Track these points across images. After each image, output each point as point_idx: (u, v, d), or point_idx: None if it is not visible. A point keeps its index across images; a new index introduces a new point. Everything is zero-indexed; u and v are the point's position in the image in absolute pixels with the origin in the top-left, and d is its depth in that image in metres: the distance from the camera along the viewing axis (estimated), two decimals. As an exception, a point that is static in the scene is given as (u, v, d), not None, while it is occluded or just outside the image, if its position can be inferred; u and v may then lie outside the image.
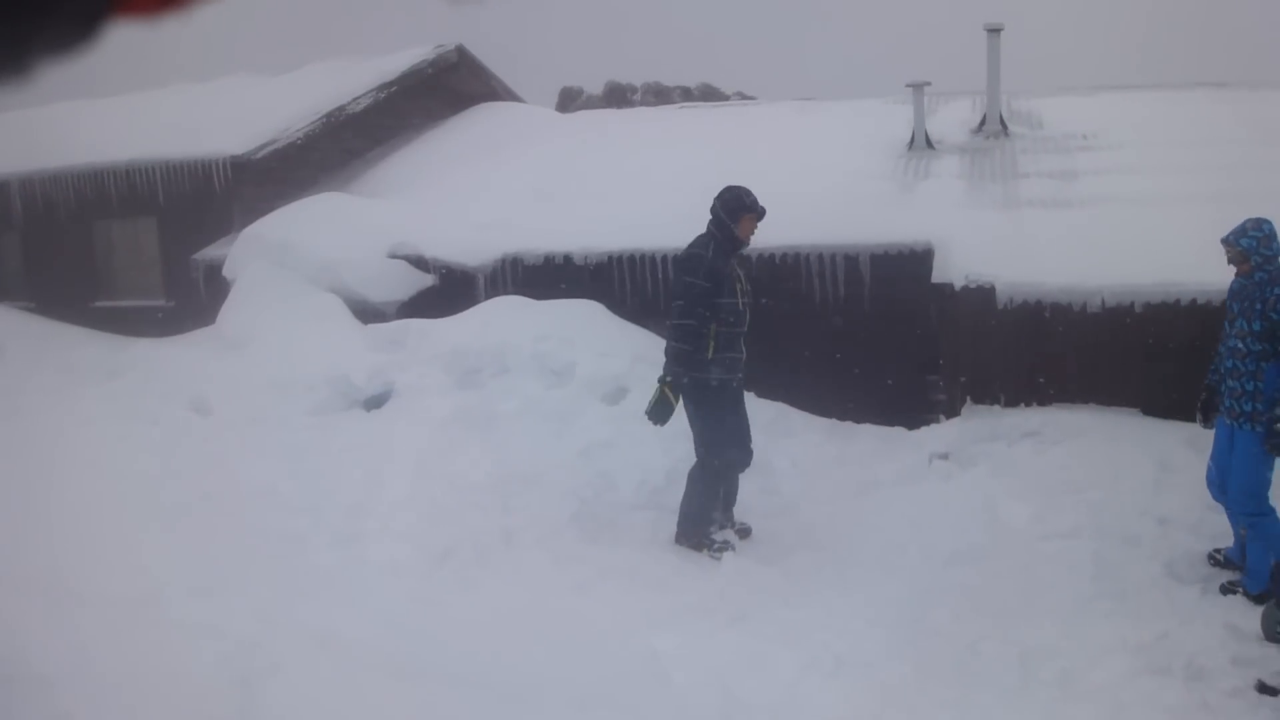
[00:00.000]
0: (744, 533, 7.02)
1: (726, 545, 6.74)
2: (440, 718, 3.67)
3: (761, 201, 6.81)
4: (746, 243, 6.92)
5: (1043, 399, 8.73)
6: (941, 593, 6.13)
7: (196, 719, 3.44)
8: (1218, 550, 6.29)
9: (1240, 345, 6.02)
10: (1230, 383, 6.10)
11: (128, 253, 13.66)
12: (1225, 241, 6.11)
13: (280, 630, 4.44)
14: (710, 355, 6.66)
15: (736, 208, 6.80)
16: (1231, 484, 6.04)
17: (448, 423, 8.25)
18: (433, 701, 3.77)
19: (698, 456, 6.89)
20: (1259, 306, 5.92)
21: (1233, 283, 6.29)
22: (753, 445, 7.03)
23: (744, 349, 6.86)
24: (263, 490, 7.23)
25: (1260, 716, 4.60)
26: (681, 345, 6.61)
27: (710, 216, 6.89)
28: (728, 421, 6.85)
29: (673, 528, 7.05)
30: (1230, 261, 6.15)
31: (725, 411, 6.85)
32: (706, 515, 6.86)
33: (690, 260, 6.74)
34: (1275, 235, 5.98)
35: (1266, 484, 5.97)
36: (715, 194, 6.91)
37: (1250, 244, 5.96)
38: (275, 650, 3.94)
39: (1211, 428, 6.38)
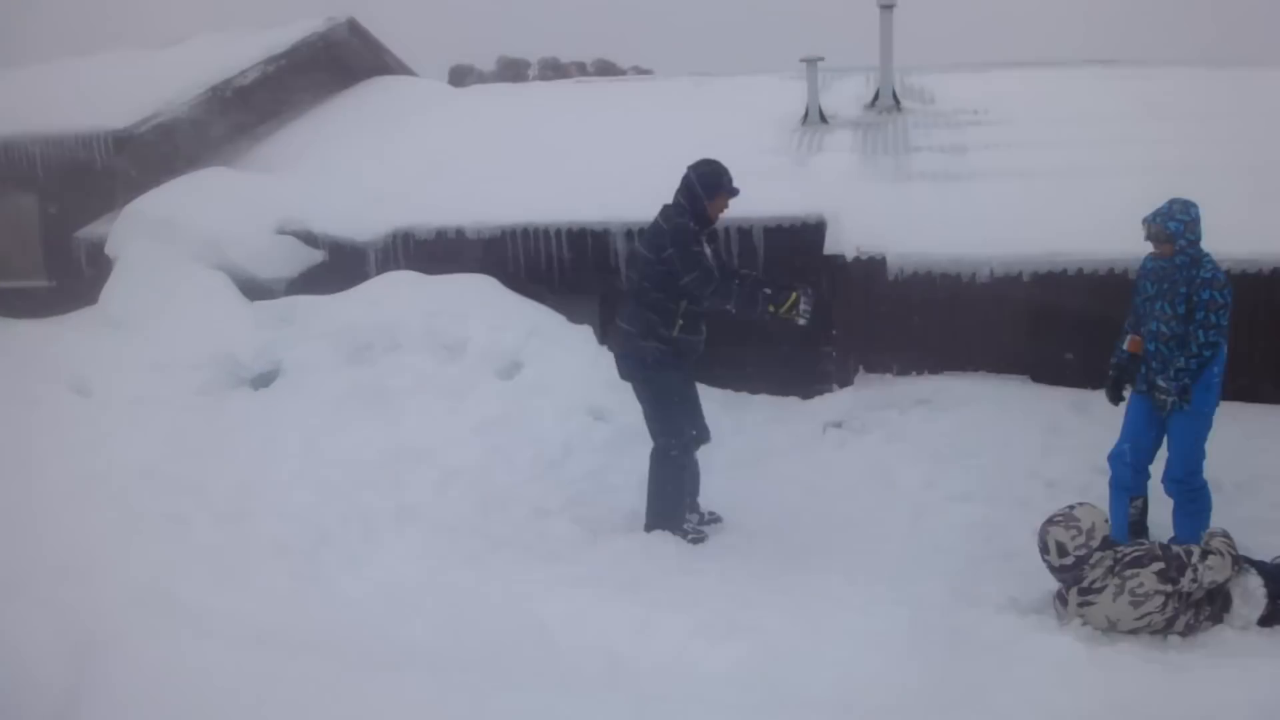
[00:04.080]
0: (713, 520, 6.85)
1: (701, 536, 6.61)
2: (312, 687, 3.57)
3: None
4: (714, 222, 6.60)
5: (934, 367, 8.84)
6: (834, 556, 6.17)
7: (23, 687, 3.31)
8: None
9: (1163, 329, 6.04)
10: (1154, 364, 6.10)
11: (6, 232, 13.16)
12: (1149, 221, 5.99)
13: (143, 605, 4.30)
14: (675, 333, 6.39)
15: (714, 184, 6.45)
16: (1174, 462, 6.09)
17: (338, 400, 8.09)
18: (305, 672, 3.68)
19: (656, 443, 6.62)
20: (1183, 290, 5.93)
21: (1146, 263, 6.26)
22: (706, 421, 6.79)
23: (705, 329, 6.61)
24: (145, 470, 7.02)
25: (1150, 672, 4.67)
26: (729, 297, 6.32)
27: (681, 187, 6.50)
28: (683, 403, 6.64)
29: (568, 499, 7.00)
30: (1150, 240, 6.03)
31: (680, 393, 6.62)
32: (677, 502, 6.64)
33: (680, 233, 6.29)
34: (1199, 219, 5.95)
35: (1203, 456, 6.08)
36: (692, 164, 6.54)
37: (1178, 227, 5.88)
38: (119, 622, 3.81)
39: (1120, 404, 6.33)
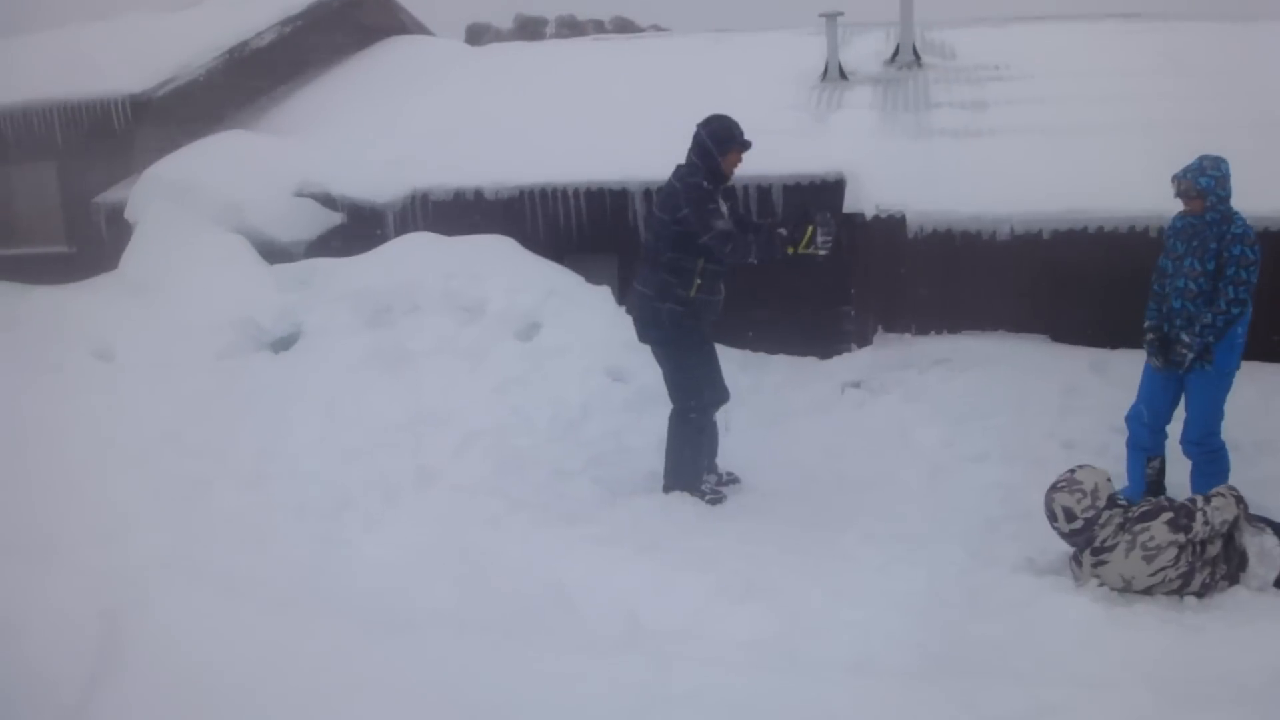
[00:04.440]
0: (732, 481, 6.83)
1: (719, 497, 6.60)
2: (334, 648, 3.62)
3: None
4: (729, 178, 6.51)
5: (953, 327, 8.83)
6: (852, 517, 6.18)
7: (53, 648, 3.38)
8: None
9: (1191, 285, 5.99)
10: (1178, 321, 6.06)
11: (27, 199, 13.21)
12: (1180, 178, 5.94)
13: (169, 570, 4.36)
14: (692, 294, 6.33)
15: (725, 139, 6.34)
16: (1191, 423, 6.07)
17: (358, 363, 8.11)
18: (327, 634, 3.72)
19: (675, 404, 6.59)
20: (1213, 246, 5.89)
21: (1175, 221, 6.20)
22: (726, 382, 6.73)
23: (724, 289, 6.56)
24: (168, 435, 7.08)
25: (1167, 632, 4.68)
26: (748, 252, 6.24)
27: (693, 145, 6.41)
28: (702, 364, 6.58)
29: (587, 460, 7.03)
30: (1180, 196, 5.99)
31: (700, 354, 6.57)
32: (696, 463, 6.62)
33: (694, 191, 6.21)
34: (1229, 175, 5.90)
35: (1221, 417, 6.07)
36: (701, 121, 6.44)
37: (1209, 183, 5.84)
38: (145, 585, 3.86)
39: (1168, 368, 6.17)
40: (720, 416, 6.89)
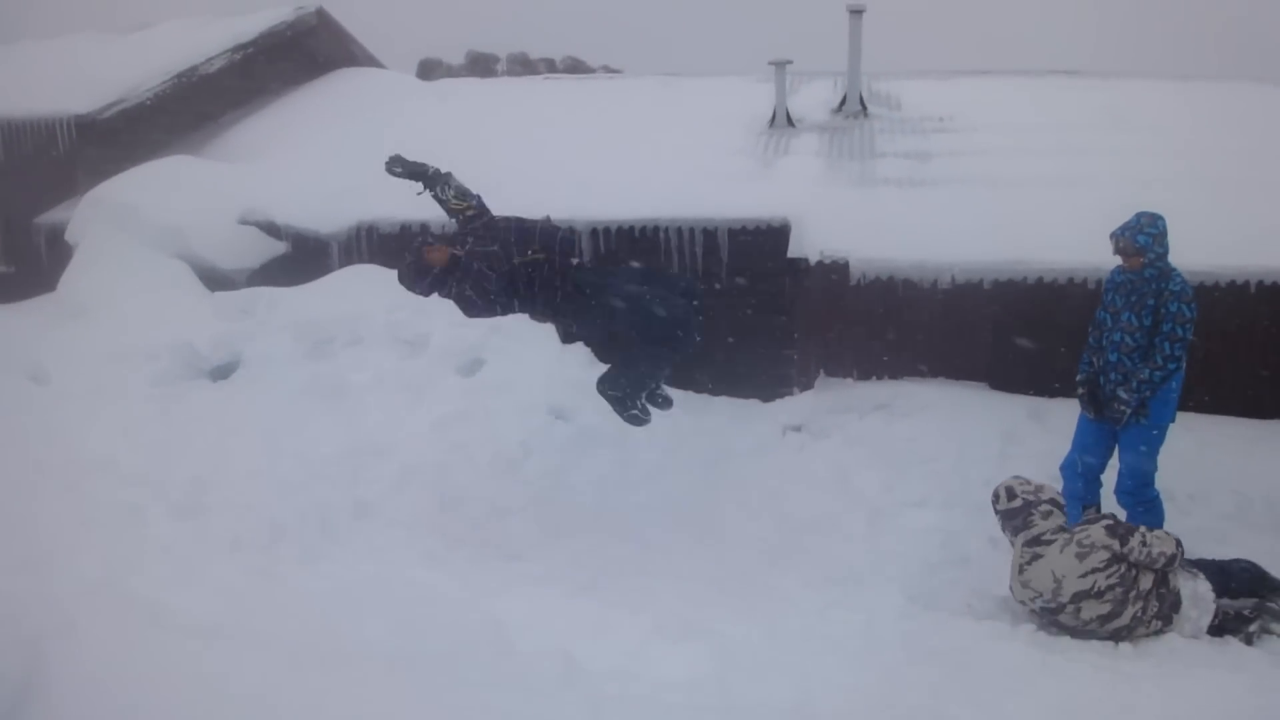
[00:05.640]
0: (665, 402, 6.72)
1: (642, 418, 6.43)
2: (265, 681, 3.55)
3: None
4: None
5: (894, 372, 8.91)
6: (792, 559, 6.21)
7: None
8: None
9: (1128, 340, 6.12)
10: (1114, 376, 6.17)
11: (-35, 216, 13.00)
12: (1118, 235, 6.10)
13: (96, 598, 4.26)
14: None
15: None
16: (1124, 474, 6.18)
17: (297, 394, 8.02)
18: (258, 667, 3.65)
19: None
20: (1151, 302, 6.02)
21: (1114, 275, 6.34)
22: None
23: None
24: (101, 461, 6.94)
25: (1101, 680, 4.72)
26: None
27: None
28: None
29: (528, 498, 7.00)
30: (1119, 254, 6.15)
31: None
32: (644, 382, 6.45)
33: None
34: (1166, 231, 6.05)
35: (1155, 469, 6.18)
36: None
37: (1146, 240, 6.00)
38: (72, 613, 3.77)
39: (1101, 420, 6.32)
40: (659, 458, 6.88)
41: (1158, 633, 5.24)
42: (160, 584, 4.89)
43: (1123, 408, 6.07)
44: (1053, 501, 5.64)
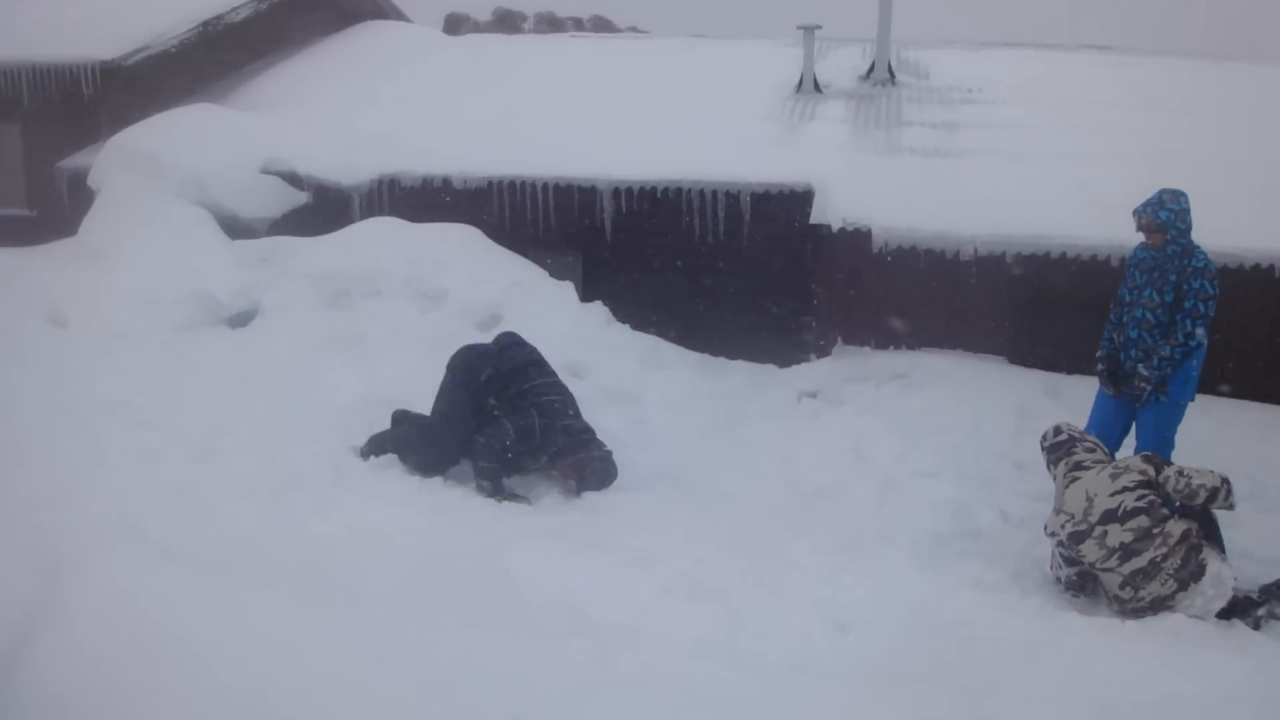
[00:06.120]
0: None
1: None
2: (273, 617, 3.58)
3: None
4: None
5: (912, 342, 8.88)
6: (802, 525, 6.18)
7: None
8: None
9: (1149, 316, 6.07)
10: (1134, 353, 6.14)
11: (-11, 159, 13.04)
12: (1140, 212, 6.04)
13: (110, 533, 4.29)
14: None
15: None
16: (1142, 450, 6.13)
17: (315, 343, 8.05)
18: (267, 603, 3.68)
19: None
20: (1173, 278, 5.97)
21: (1137, 252, 6.29)
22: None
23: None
24: (117, 404, 6.97)
25: (1106, 656, 4.70)
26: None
27: None
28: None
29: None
30: (1142, 230, 6.10)
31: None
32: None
33: None
34: (1189, 209, 5.99)
35: (1172, 448, 6.15)
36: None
37: (1169, 216, 5.94)
38: (85, 546, 3.81)
39: (1120, 397, 6.30)
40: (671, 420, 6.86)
41: (1170, 596, 5.18)
42: (172, 522, 4.93)
43: (1142, 384, 6.03)
44: (1096, 443, 5.71)
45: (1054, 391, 7.99)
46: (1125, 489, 5.28)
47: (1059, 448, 5.70)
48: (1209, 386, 7.19)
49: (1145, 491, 5.28)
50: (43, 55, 12.21)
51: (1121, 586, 5.26)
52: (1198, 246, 6.02)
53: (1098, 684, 4.34)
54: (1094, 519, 5.30)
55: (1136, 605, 5.24)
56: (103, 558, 3.79)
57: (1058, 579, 5.57)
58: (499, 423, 6.48)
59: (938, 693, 3.86)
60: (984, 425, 7.53)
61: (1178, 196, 6.00)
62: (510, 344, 6.94)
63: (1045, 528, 5.62)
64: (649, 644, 4.08)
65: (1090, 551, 5.31)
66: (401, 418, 6.98)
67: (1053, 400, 7.89)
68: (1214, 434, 7.11)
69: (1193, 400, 6.17)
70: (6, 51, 12.39)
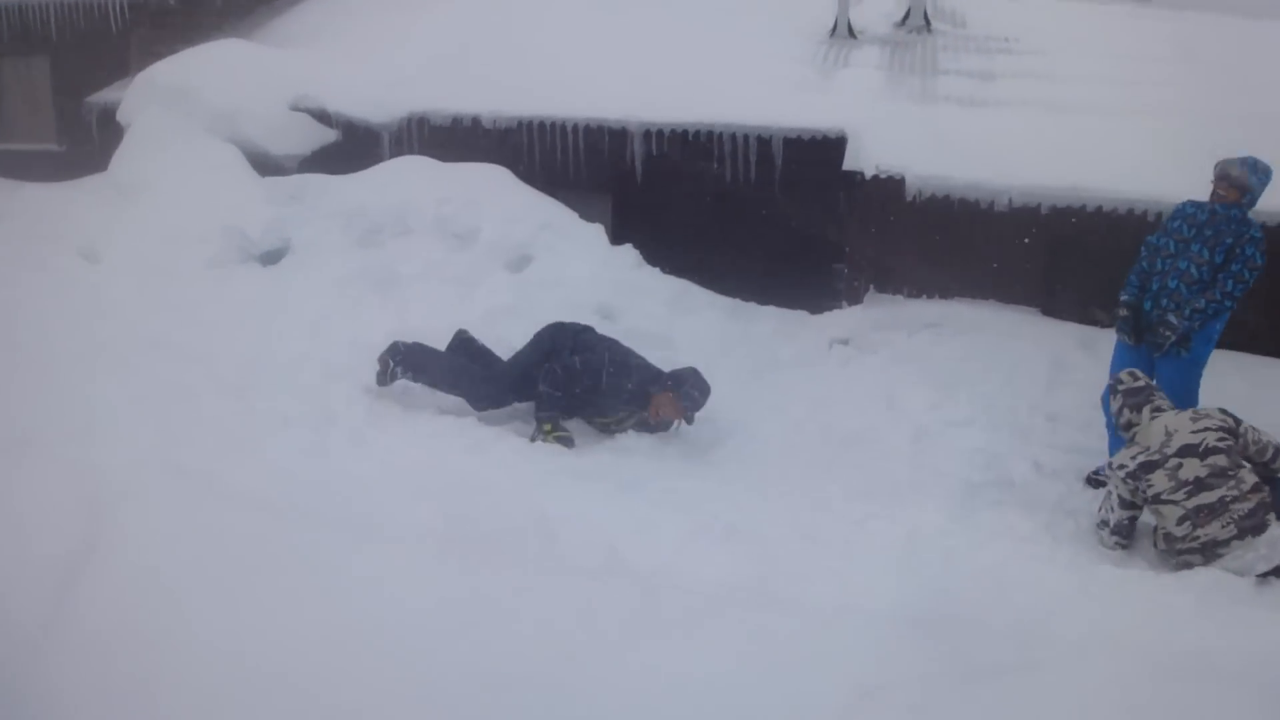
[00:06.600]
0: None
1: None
2: (314, 550, 3.61)
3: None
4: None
5: (945, 292, 8.82)
6: (835, 471, 6.20)
7: (37, 536, 3.36)
8: (1096, 472, 6.35)
9: (1194, 271, 6.08)
10: (1165, 302, 6.15)
11: (18, 93, 13.02)
12: (1230, 164, 6.09)
13: (149, 468, 4.31)
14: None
15: None
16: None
17: (345, 281, 8.06)
18: (307, 537, 3.71)
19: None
20: (1229, 240, 6.00)
21: (1186, 207, 6.29)
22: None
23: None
24: (153, 340, 7.00)
25: (1139, 608, 4.70)
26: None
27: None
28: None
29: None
30: (1218, 180, 6.13)
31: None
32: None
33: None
34: (1269, 186, 6.10)
35: (1196, 403, 6.17)
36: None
37: (1257, 183, 6.03)
38: (127, 480, 3.83)
39: (1143, 343, 6.36)
40: (704, 365, 6.88)
41: (1225, 542, 5.15)
42: (211, 457, 4.96)
43: (1168, 332, 6.06)
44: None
45: (1088, 345, 7.93)
46: (1207, 429, 5.33)
47: (1138, 393, 5.69)
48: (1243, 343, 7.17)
49: (1226, 435, 5.33)
50: (72, -11, 12.18)
51: (1180, 521, 5.24)
52: (1253, 220, 6.09)
53: (1132, 633, 4.33)
54: (1170, 451, 5.34)
55: (1187, 546, 5.23)
56: (147, 493, 3.81)
57: (1103, 523, 5.56)
58: (568, 358, 6.51)
59: (982, 637, 3.87)
60: (1017, 376, 7.50)
61: (1270, 169, 6.10)
62: (587, 327, 6.96)
63: (1110, 463, 5.63)
64: (687, 585, 4.10)
65: (1159, 481, 5.31)
66: (462, 346, 6.98)
67: (1086, 353, 7.84)
68: (1250, 392, 7.04)
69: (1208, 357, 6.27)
70: (36, -15, 12.36)
